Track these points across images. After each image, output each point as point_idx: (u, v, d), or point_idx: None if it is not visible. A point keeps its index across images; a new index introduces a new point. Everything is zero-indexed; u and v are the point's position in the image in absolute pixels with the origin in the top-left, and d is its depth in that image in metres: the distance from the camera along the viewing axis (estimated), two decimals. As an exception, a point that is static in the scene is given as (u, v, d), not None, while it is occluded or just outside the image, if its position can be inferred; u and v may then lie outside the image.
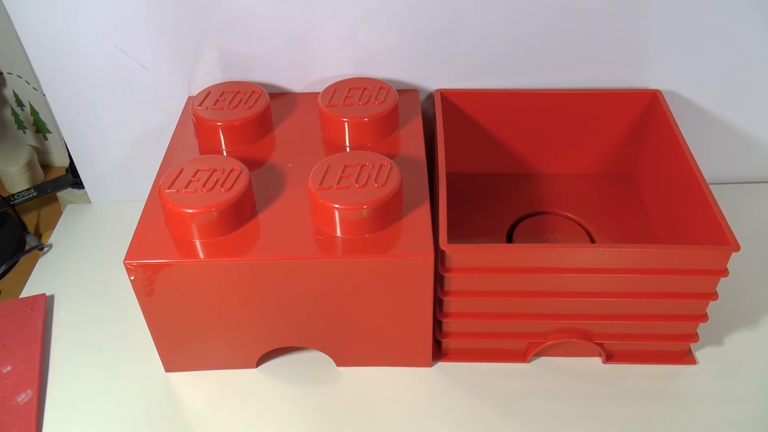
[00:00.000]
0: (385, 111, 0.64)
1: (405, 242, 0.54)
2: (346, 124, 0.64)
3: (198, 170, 0.57)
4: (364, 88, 0.67)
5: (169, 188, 0.55)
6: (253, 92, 0.67)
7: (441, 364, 0.62)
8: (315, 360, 0.62)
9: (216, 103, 0.66)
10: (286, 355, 0.63)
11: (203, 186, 0.55)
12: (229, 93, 0.67)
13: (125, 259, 0.53)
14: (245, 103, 0.66)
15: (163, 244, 0.55)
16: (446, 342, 0.61)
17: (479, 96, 0.72)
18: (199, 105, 0.66)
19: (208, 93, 0.68)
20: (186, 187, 0.55)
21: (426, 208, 0.57)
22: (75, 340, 0.66)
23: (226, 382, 0.61)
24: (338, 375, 0.62)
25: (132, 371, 0.63)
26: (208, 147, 0.65)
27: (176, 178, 0.56)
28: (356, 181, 0.55)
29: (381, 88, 0.67)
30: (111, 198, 0.82)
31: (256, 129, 0.65)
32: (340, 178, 0.56)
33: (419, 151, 0.63)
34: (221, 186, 0.55)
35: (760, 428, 0.57)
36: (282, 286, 0.55)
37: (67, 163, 0.84)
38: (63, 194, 0.85)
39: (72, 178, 0.84)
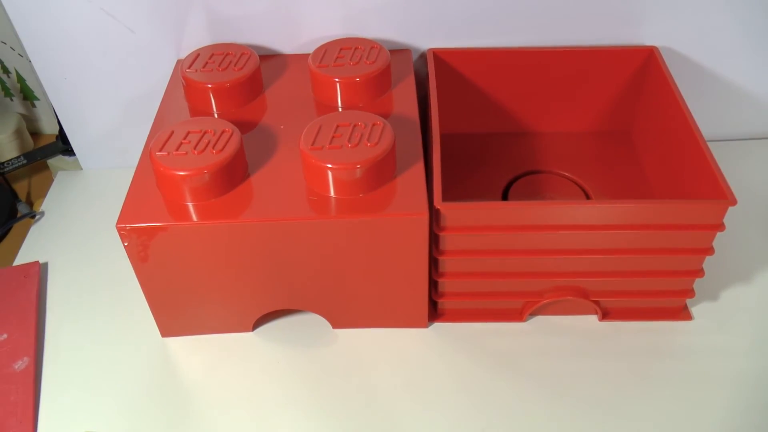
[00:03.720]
0: (377, 71, 0.63)
1: (399, 202, 0.53)
2: (337, 84, 0.63)
3: (189, 132, 0.56)
4: (355, 48, 0.66)
5: (159, 151, 0.54)
6: (242, 54, 0.66)
7: (437, 325, 0.62)
8: (311, 322, 0.62)
9: (205, 65, 0.65)
10: (282, 318, 0.63)
11: (194, 148, 0.54)
12: (219, 55, 0.66)
13: (117, 224, 0.53)
14: (235, 65, 0.64)
15: (156, 207, 0.54)
16: (442, 302, 0.61)
17: (472, 55, 0.71)
18: (189, 67, 0.65)
19: (197, 55, 0.66)
20: (177, 150, 0.54)
21: (420, 167, 0.56)
22: (70, 307, 0.65)
23: (222, 346, 0.61)
24: (334, 337, 0.62)
25: (128, 337, 0.62)
26: (198, 110, 0.64)
27: (167, 140, 0.55)
28: (349, 141, 0.54)
29: (372, 48, 0.66)
30: (102, 164, 0.81)
31: (246, 91, 0.64)
32: (333, 137, 0.55)
33: (412, 111, 0.63)
34: (212, 148, 0.54)
35: (756, 383, 0.57)
36: (276, 247, 0.55)
37: (56, 131, 0.83)
38: (54, 161, 0.84)
39: (62, 145, 0.83)
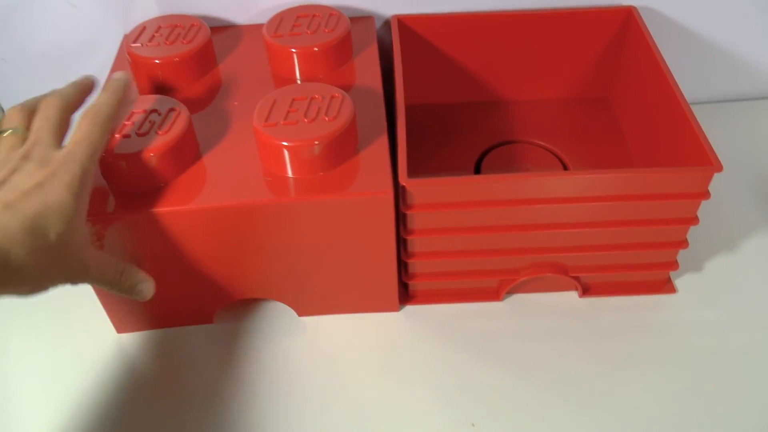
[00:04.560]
0: (336, 39, 0.59)
1: (361, 180, 0.50)
2: (294, 55, 0.58)
3: (132, 113, 0.52)
4: (313, 16, 0.62)
5: None
6: (192, 26, 0.61)
7: (409, 308, 0.59)
8: (275, 311, 0.59)
9: (152, 39, 0.60)
10: (245, 308, 0.59)
11: (138, 130, 0.50)
12: (166, 28, 0.61)
13: None
14: (184, 38, 0.60)
15: (101, 197, 0.50)
16: (413, 284, 0.57)
17: (439, 21, 0.67)
18: (134, 42, 0.60)
19: (143, 29, 0.62)
20: (120, 133, 0.50)
21: (384, 142, 0.52)
22: (16, 308, 0.61)
23: (183, 339, 0.58)
24: (300, 326, 0.58)
25: (80, 336, 0.58)
26: (146, 88, 0.60)
27: None
28: (305, 116, 0.50)
29: (331, 15, 0.62)
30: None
31: (196, 66, 0.60)
32: (288, 113, 0.51)
33: (375, 81, 0.59)
34: (158, 129, 0.50)
35: (742, 356, 0.54)
36: (233, 233, 0.51)
37: None
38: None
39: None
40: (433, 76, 0.70)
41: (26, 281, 0.42)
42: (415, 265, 0.55)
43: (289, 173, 0.50)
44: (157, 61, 0.58)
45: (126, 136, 0.50)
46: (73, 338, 0.58)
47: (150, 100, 0.53)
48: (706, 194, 0.51)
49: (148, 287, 0.50)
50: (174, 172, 0.50)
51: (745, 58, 0.73)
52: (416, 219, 0.51)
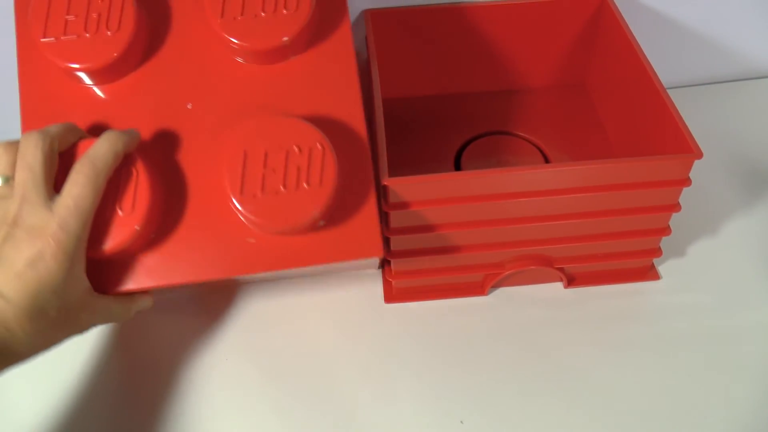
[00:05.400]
0: (303, 23, 0.49)
1: (352, 241, 0.48)
2: (252, 51, 0.50)
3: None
4: None
5: None
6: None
7: (394, 306, 0.58)
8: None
9: (65, 27, 0.49)
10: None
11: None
12: (80, 1, 0.49)
13: None
14: (107, 19, 0.49)
15: None
16: (397, 282, 0.57)
17: (412, 14, 0.66)
18: (44, 35, 0.49)
19: (48, 2, 0.49)
20: None
21: (370, 177, 0.49)
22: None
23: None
24: (279, 318, 0.57)
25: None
26: (73, 106, 0.50)
27: None
28: (283, 185, 0.45)
29: None
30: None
31: (132, 57, 0.51)
32: (264, 177, 0.46)
33: (350, 75, 0.52)
34: (119, 206, 0.45)
35: (726, 337, 0.55)
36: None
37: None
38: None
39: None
40: (408, 70, 0.69)
41: (33, 354, 0.43)
42: (400, 263, 0.55)
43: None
44: (85, 65, 0.49)
45: None
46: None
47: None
48: (687, 181, 0.51)
49: (149, 303, 0.51)
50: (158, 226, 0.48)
51: (719, 41, 0.73)
52: (398, 218, 0.51)
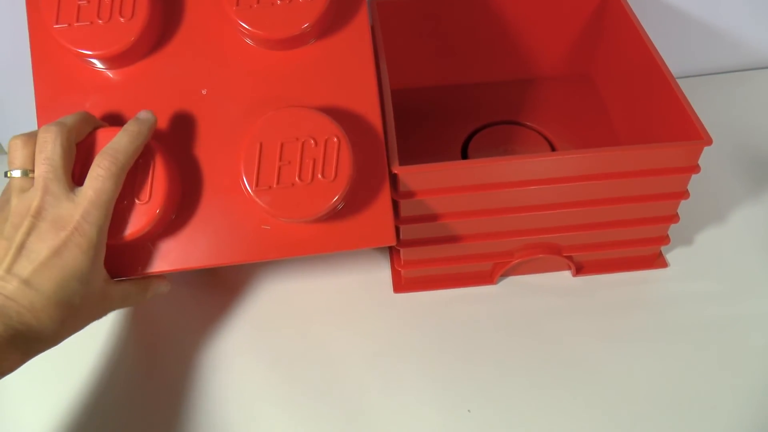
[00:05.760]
0: (317, 13, 0.49)
1: (364, 230, 0.49)
2: (268, 40, 0.50)
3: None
4: None
5: None
6: None
7: (403, 295, 0.58)
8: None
9: (78, 13, 0.48)
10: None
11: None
12: None
13: None
14: (120, 10, 0.48)
15: None
16: (406, 272, 0.57)
17: (419, 4, 0.66)
18: (57, 22, 0.48)
19: None
20: None
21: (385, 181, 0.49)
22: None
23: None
24: (287, 307, 0.57)
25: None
26: (88, 95, 0.51)
27: None
28: (299, 176, 0.46)
29: None
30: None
31: (146, 43, 0.50)
32: (280, 169, 0.46)
33: (366, 67, 0.51)
34: (137, 196, 0.46)
35: (735, 324, 0.55)
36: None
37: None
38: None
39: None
40: (414, 60, 0.69)
41: (58, 341, 0.44)
42: (409, 252, 0.55)
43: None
44: (99, 52, 0.48)
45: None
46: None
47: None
48: (696, 168, 0.51)
49: (165, 287, 0.52)
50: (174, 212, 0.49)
51: (726, 31, 0.73)
52: (408, 206, 0.51)
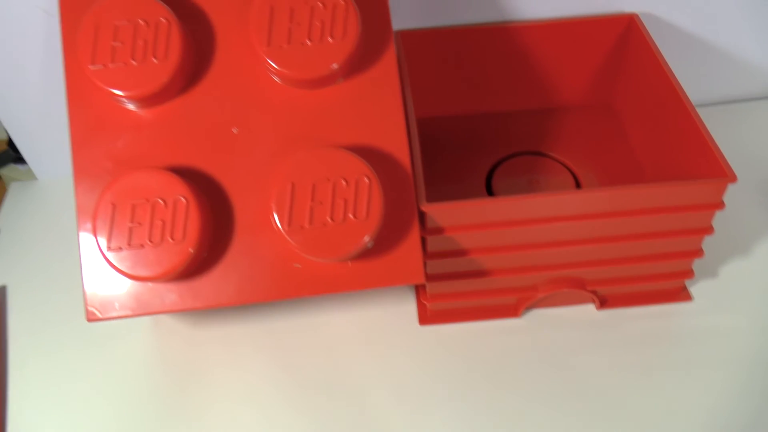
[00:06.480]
0: (347, 53, 0.49)
1: (393, 268, 0.49)
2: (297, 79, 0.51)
3: (133, 206, 0.47)
4: (313, 8, 0.49)
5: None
6: (159, 24, 0.49)
7: (429, 328, 0.59)
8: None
9: (113, 53, 0.49)
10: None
11: (150, 237, 0.47)
12: (123, 27, 0.49)
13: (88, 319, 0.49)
14: (154, 47, 0.49)
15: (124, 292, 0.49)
16: (432, 305, 0.58)
17: (442, 35, 0.67)
18: (93, 62, 0.49)
19: (94, 30, 0.49)
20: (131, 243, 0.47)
21: (413, 208, 0.50)
22: (34, 335, 0.61)
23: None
24: (310, 338, 0.58)
25: (108, 365, 0.58)
26: (122, 134, 0.51)
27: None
28: (331, 218, 0.47)
29: (336, 5, 0.49)
30: (58, 172, 0.74)
31: (177, 84, 0.51)
32: (311, 209, 0.47)
33: (395, 105, 0.52)
34: (171, 236, 0.47)
35: (760, 359, 0.55)
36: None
37: (6, 138, 0.77)
38: (5, 171, 0.79)
39: (13, 153, 0.77)
40: (438, 90, 0.70)
41: None
42: (435, 286, 0.55)
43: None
44: (133, 93, 0.49)
45: (140, 246, 0.47)
46: (98, 368, 0.58)
47: (146, 180, 0.48)
48: (720, 204, 0.51)
49: None
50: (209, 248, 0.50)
51: (747, 59, 0.73)
52: (435, 242, 0.51)
